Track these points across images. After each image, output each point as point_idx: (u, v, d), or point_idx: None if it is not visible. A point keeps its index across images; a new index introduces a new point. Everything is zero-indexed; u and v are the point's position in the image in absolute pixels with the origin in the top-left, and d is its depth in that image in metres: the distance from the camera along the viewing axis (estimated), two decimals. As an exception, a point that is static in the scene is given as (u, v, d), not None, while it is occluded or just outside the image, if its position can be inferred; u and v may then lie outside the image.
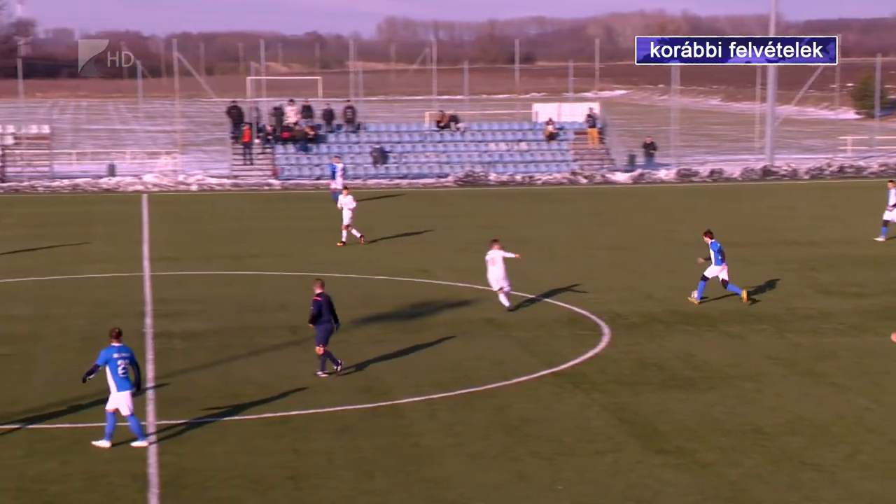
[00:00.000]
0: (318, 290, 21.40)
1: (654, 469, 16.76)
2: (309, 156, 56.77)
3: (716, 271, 27.74)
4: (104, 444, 17.33)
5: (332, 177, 47.70)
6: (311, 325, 21.40)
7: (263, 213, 44.72)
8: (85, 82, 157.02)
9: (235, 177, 54.84)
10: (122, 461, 16.82)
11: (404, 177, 55.91)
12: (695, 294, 27.93)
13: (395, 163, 57.03)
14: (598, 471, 16.64)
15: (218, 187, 52.94)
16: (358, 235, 36.83)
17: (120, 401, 17.28)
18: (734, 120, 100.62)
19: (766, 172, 58.08)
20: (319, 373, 21.32)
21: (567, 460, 17.08)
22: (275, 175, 55.13)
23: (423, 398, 20.00)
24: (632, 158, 60.31)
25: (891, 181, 38.18)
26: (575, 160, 58.70)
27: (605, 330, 25.22)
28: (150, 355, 22.80)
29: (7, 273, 31.55)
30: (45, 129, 58.68)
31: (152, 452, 17.19)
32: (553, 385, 21.00)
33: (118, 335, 17.60)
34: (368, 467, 16.73)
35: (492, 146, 59.15)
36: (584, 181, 56.04)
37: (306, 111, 58.96)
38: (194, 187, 52.90)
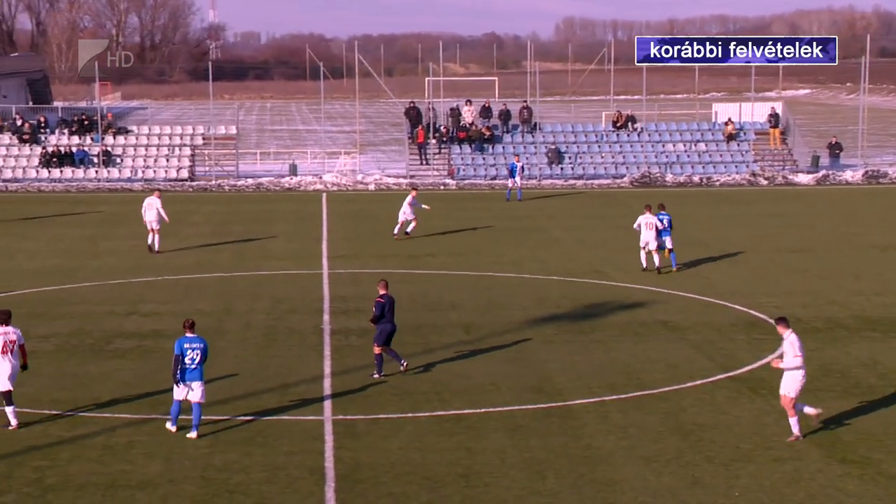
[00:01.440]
0: (381, 291, 21.31)
1: (836, 479, 16.20)
2: (485, 156, 57.08)
3: (661, 241, 31.41)
4: (171, 427, 18.08)
5: (512, 175, 48.52)
6: (372, 324, 21.36)
7: (439, 213, 45.17)
8: (270, 84, 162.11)
9: (412, 176, 55.55)
10: (300, 454, 17.23)
11: (580, 177, 55.63)
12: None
13: (571, 163, 56.80)
14: (777, 478, 16.18)
15: (395, 186, 53.72)
16: (397, 230, 37.76)
17: (181, 392, 17.83)
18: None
19: (961, 174, 55.51)
20: (375, 375, 21.15)
21: (744, 466, 16.67)
22: (451, 175, 55.64)
23: (594, 400, 19.84)
24: (815, 159, 58.49)
25: None
26: (755, 161, 57.34)
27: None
28: (327, 351, 23.30)
29: (194, 269, 32.74)
30: (233, 130, 60.73)
31: (328, 447, 17.56)
32: (729, 389, 20.54)
33: (191, 326, 18.09)
34: (540, 468, 16.69)
35: (669, 147, 58.30)
36: (765, 182, 54.68)
37: (483, 111, 59.32)
38: (372, 186, 53.84)
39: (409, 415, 19.10)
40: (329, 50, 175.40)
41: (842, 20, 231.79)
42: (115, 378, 21.27)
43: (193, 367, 17.86)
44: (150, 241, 35.52)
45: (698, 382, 20.96)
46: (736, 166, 56.78)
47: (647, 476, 16.34)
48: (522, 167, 50.24)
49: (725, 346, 23.59)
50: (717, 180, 54.92)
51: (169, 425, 18.15)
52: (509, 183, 49.11)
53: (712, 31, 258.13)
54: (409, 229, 37.75)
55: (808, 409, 17.98)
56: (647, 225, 31.13)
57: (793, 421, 17.74)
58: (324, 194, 51.64)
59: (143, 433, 18.17)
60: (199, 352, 17.93)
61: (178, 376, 17.77)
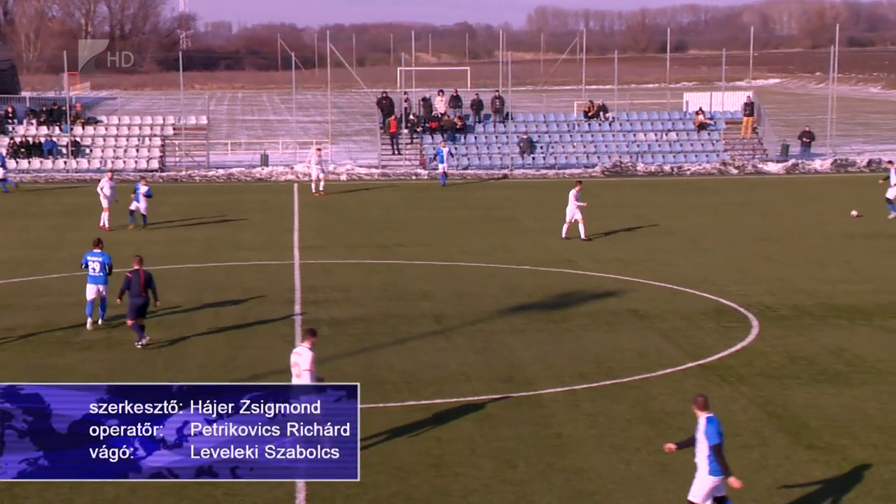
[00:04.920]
0: (134, 266, 22.80)
1: (802, 465, 16.34)
2: (457, 146, 57.05)
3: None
4: (88, 325, 24.00)
5: (440, 161, 50.70)
6: (118, 299, 23.00)
7: (410, 203, 45.16)
8: (241, 74, 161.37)
9: (384, 167, 55.51)
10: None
11: (551, 167, 55.73)
12: None
13: (543, 153, 56.88)
14: (744, 465, 16.27)
15: (366, 177, 53.65)
16: (565, 230, 37.02)
17: (90, 291, 23.88)
18: (895, 108, 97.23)
19: (928, 162, 55.89)
20: (137, 344, 22.63)
21: (711, 454, 16.76)
22: (422, 165, 55.62)
23: (564, 389, 19.91)
24: (785, 148, 58.78)
25: (889, 162, 42.97)
26: (726, 150, 57.59)
27: (754, 322, 24.67)
28: (298, 342, 23.21)
29: (164, 259, 32.55)
30: (203, 121, 60.42)
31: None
32: (698, 377, 20.66)
33: (98, 243, 24.13)
34: (509, 456, 16.74)
35: (640, 136, 58.45)
36: (735, 171, 54.93)
37: (455, 101, 59.28)
38: (343, 177, 53.71)
39: (380, 405, 19.10)
40: (301, 40, 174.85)
41: (811, 9, 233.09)
42: (82, 370, 21.16)
43: (96, 274, 23.80)
44: (102, 221, 38.05)
45: (668, 371, 21.07)
46: (706, 155, 57.01)
47: (615, 464, 16.42)
48: (449, 152, 51.85)
49: (694, 335, 23.72)
50: (688, 169, 55.14)
51: (88, 324, 23.87)
52: (439, 169, 50.75)
53: (683, 20, 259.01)
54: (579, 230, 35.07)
55: None
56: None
57: None
58: (295, 185, 51.50)
59: (111, 425, 18.04)
60: (98, 263, 23.72)
61: (88, 280, 23.88)
